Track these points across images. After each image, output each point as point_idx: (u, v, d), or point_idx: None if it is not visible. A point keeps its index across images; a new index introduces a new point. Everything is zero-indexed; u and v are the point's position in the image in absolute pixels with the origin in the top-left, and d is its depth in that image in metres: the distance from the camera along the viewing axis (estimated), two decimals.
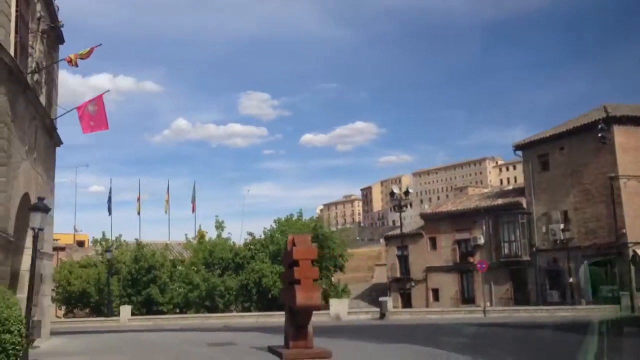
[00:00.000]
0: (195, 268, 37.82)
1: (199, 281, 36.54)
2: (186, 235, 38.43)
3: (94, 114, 21.27)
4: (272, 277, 36.76)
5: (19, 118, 15.71)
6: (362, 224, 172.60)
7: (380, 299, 32.66)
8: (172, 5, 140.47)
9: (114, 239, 39.93)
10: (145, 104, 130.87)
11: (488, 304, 37.04)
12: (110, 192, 49.99)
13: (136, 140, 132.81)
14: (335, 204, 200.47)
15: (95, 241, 38.31)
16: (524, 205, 36.32)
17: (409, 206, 38.83)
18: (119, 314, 33.01)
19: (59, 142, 23.93)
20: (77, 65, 19.09)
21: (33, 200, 20.19)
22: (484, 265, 32.05)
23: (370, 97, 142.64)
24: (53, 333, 23.47)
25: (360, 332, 24.05)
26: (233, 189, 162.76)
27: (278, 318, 34.57)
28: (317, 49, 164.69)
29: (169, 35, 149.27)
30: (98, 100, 21.36)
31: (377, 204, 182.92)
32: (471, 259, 37.81)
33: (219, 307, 36.82)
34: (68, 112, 22.73)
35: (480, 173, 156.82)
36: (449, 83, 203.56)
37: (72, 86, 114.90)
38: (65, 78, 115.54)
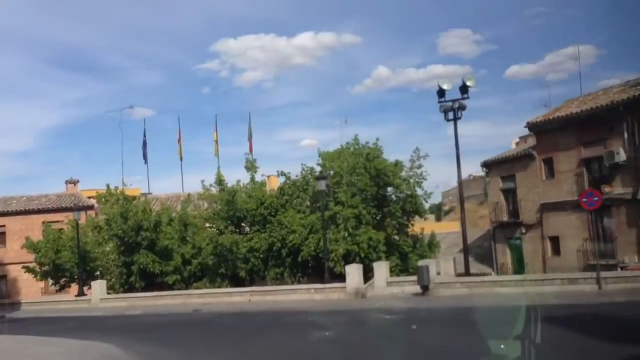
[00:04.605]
0: (208, 225, 29.00)
1: (202, 243, 27.57)
2: (203, 182, 29.10)
3: None
4: (301, 232, 26.40)
5: None
6: None
7: (420, 263, 20.33)
8: None
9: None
10: (346, 57, 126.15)
11: (636, 259, 22.55)
12: (144, 136, 43.14)
13: (340, 92, 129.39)
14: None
15: (99, 196, 30.86)
16: None
17: None
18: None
19: None
20: None
21: None
22: (596, 199, 17.76)
23: (587, 16, 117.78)
24: None
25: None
26: (438, 131, 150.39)
27: (278, 296, 23.91)
28: None
29: None
30: None
31: None
32: (607, 188, 23.07)
33: (240, 277, 27.48)
34: None
35: None
36: None
37: (279, 48, 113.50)
38: (272, 42, 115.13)
